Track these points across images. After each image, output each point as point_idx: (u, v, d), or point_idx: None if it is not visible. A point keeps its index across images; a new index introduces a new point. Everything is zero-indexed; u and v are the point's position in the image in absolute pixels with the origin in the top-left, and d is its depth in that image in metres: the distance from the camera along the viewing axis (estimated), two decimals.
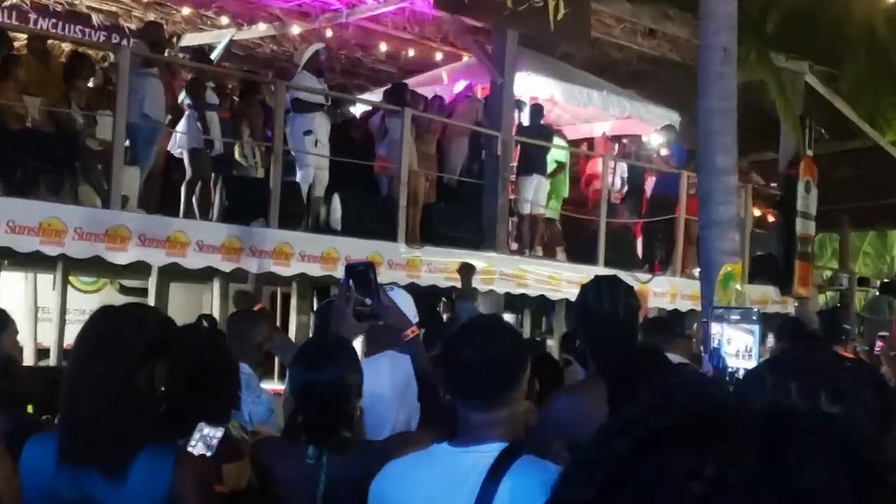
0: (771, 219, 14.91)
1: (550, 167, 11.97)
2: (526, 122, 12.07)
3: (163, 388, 2.41)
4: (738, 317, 2.31)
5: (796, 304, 13.81)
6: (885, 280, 19.26)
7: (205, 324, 5.35)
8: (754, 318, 2.22)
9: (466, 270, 7.00)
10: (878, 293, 17.76)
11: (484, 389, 2.33)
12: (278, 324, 10.77)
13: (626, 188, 13.41)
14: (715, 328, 2.51)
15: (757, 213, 14.39)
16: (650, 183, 13.46)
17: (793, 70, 13.74)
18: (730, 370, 2.24)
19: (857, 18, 12.59)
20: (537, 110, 12.04)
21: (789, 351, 1.56)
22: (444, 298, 11.70)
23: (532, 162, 11.61)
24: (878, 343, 6.35)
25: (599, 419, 2.68)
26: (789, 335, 4.63)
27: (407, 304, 4.20)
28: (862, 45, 14.21)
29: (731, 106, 8.63)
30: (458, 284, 10.24)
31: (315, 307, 10.20)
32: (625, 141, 14.30)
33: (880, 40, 13.57)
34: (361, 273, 3.22)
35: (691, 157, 12.65)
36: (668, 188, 12.85)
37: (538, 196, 11.67)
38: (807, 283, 14.13)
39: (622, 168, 13.40)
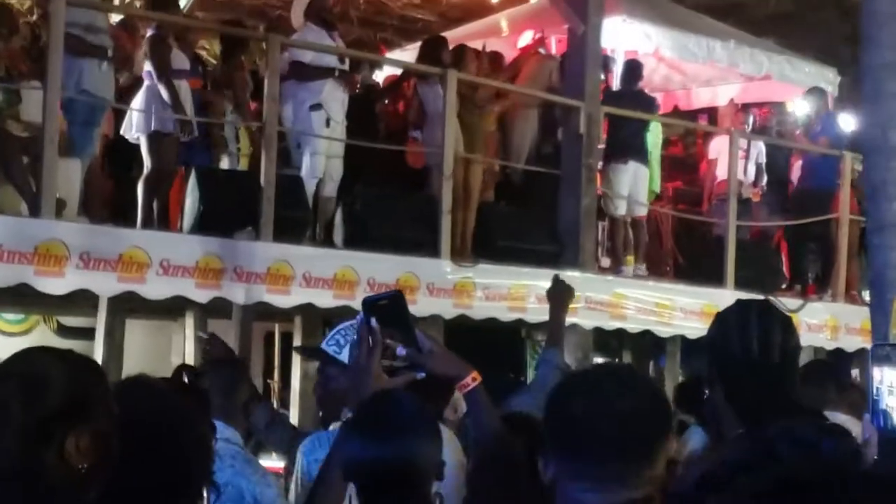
0: None
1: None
2: (617, 86, 12.06)
3: (85, 465, 2.38)
4: None
5: None
6: None
7: (185, 378, 5.40)
8: None
9: (561, 293, 5.44)
10: None
11: (611, 460, 2.25)
12: (276, 375, 10.88)
13: (764, 178, 13.35)
14: (876, 374, 2.48)
15: None
16: (797, 171, 13.36)
17: None
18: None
19: None
20: (633, 70, 12.01)
21: None
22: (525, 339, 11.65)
23: (628, 143, 11.57)
24: None
25: None
26: None
27: None
28: None
29: None
30: (530, 317, 10.33)
31: None
32: (755, 112, 14.21)
33: None
34: (387, 308, 3.15)
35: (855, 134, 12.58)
36: (820, 178, 12.76)
37: (637, 191, 11.65)
38: None
39: (759, 150, 13.34)
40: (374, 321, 3.11)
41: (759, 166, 13.31)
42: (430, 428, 2.89)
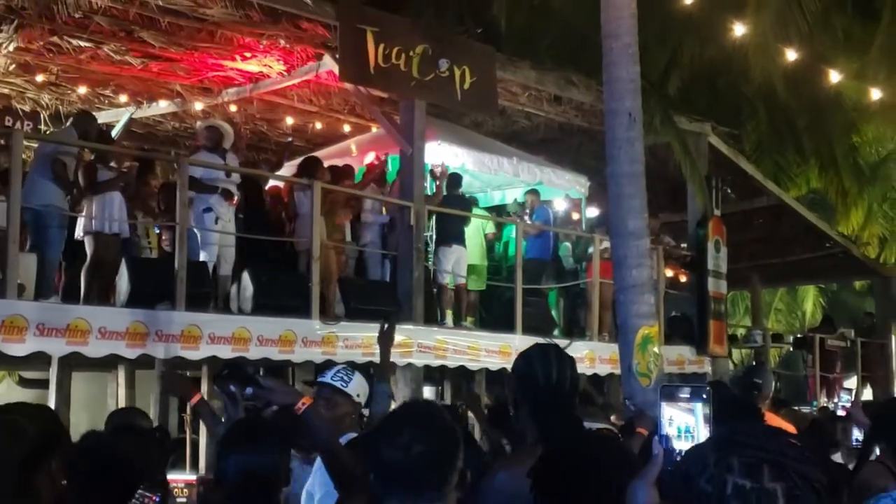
0: (683, 279, 15.21)
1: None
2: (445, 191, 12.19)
3: (64, 482, 2.38)
4: (687, 394, 2.27)
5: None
6: (799, 335, 19.76)
7: (157, 434, 5.13)
8: (704, 395, 2.18)
9: (387, 336, 5.17)
10: (791, 349, 18.21)
11: (410, 489, 2.27)
12: (188, 410, 10.50)
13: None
14: (663, 409, 2.45)
15: (669, 273, 14.66)
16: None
17: (696, 132, 14.18)
18: (676, 452, 2.21)
19: (756, 78, 13.06)
20: (455, 180, 12.13)
21: (729, 426, 1.58)
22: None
23: (451, 233, 11.65)
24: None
25: None
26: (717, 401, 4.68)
27: (361, 384, 4.31)
28: (762, 105, 14.80)
29: (639, 170, 8.82)
30: (377, 360, 10.25)
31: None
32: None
33: (780, 99, 14.12)
34: (231, 374, 3.28)
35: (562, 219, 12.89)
36: (536, 251, 13.07)
37: (460, 266, 11.69)
38: (722, 341, 14.41)
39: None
40: (231, 388, 3.23)
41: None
42: (284, 443, 2.92)
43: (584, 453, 2.37)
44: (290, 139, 12.44)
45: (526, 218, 13.36)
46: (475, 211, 12.58)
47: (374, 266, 11.54)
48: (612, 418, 7.53)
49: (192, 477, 8.62)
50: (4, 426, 2.40)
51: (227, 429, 3.14)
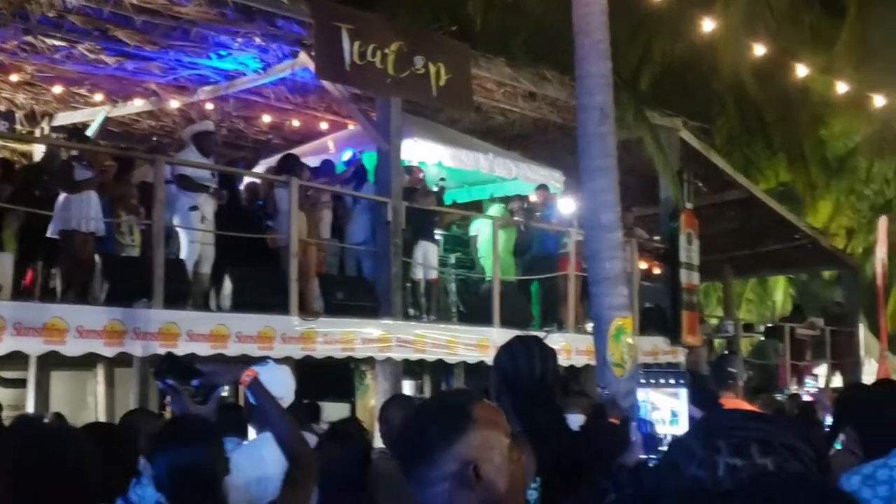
0: (657, 271, 15.19)
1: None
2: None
3: None
4: (667, 380, 2.21)
5: (687, 352, 14.06)
6: (769, 325, 19.81)
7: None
8: (682, 381, 2.12)
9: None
10: (763, 338, 18.25)
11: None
12: (167, 409, 10.34)
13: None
14: (641, 393, 2.39)
15: (643, 265, 14.62)
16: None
17: (668, 127, 14.15)
18: (658, 437, 2.14)
19: (725, 74, 13.07)
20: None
21: (706, 416, 1.57)
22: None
23: (420, 228, 11.52)
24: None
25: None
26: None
27: (284, 380, 4.06)
28: (732, 100, 14.82)
29: (611, 164, 8.79)
30: (356, 355, 10.17)
31: None
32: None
33: (749, 94, 14.15)
34: (170, 370, 3.18)
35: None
36: (546, 247, 13.04)
37: (429, 261, 11.59)
38: (695, 331, 14.39)
39: None
40: (169, 381, 3.13)
41: None
42: (211, 435, 2.79)
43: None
44: (269, 137, 12.22)
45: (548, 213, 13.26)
46: (486, 207, 12.53)
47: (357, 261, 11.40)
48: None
49: None
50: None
51: (157, 431, 3.01)
